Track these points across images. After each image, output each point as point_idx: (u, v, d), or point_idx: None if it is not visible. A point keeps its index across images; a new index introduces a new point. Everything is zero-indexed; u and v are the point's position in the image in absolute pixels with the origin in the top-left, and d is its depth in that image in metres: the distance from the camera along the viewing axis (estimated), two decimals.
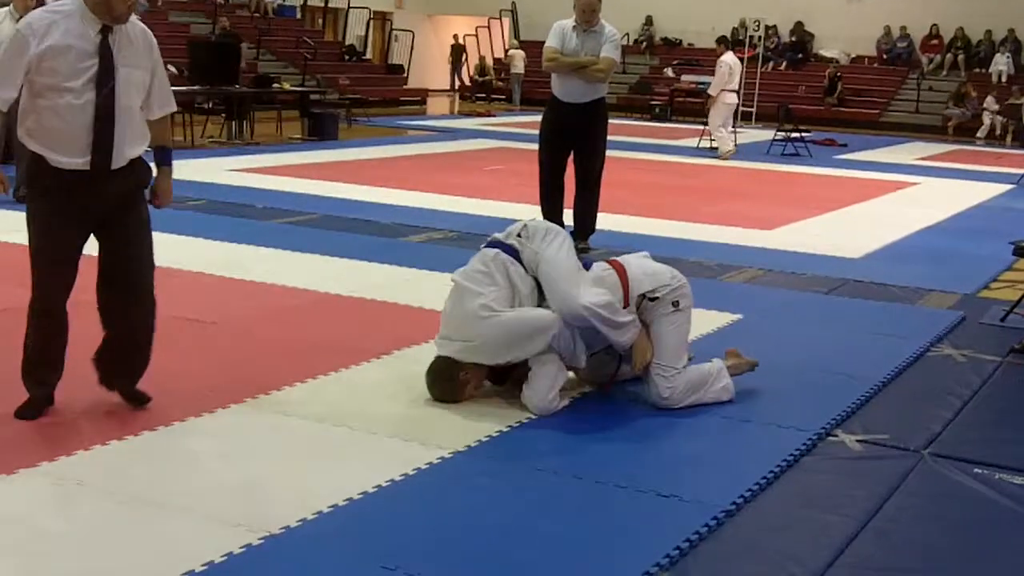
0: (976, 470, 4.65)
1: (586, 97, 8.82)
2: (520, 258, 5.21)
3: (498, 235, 5.40)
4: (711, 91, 18.04)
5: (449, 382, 5.13)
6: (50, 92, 4.60)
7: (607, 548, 3.78)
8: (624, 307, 5.13)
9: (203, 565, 3.47)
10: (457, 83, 33.73)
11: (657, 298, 5.20)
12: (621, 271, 5.29)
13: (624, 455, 4.65)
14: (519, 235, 5.30)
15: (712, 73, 25.11)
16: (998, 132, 25.67)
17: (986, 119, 25.93)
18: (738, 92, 18.47)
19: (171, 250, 8.32)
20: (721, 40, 19.76)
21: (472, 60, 32.94)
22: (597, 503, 4.14)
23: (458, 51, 32.72)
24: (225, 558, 3.53)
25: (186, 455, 4.42)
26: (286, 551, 3.62)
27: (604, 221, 9.57)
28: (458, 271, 5.35)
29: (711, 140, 18.94)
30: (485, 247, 5.36)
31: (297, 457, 4.45)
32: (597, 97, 8.90)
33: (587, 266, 5.34)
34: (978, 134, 25.68)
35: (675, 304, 5.24)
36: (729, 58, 17.95)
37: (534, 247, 5.22)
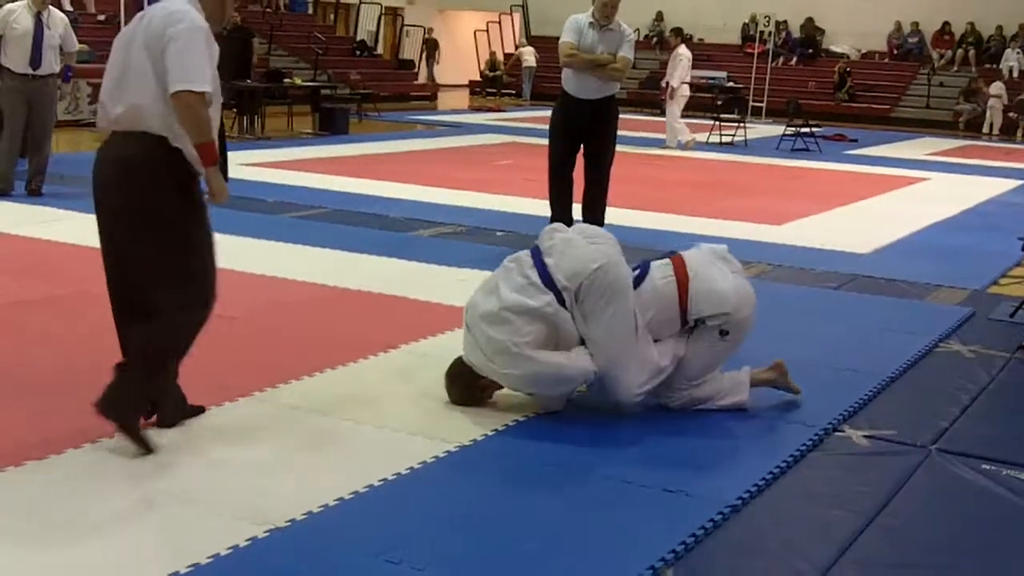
0: (984, 466, 4.65)
1: (599, 94, 8.81)
2: (566, 306, 4.85)
3: (551, 266, 4.92)
4: (673, 83, 17.89)
5: (467, 390, 5.03)
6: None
7: (612, 543, 3.78)
8: (679, 323, 4.98)
9: (209, 557, 3.48)
10: (428, 78, 33.50)
11: (705, 323, 4.99)
12: (683, 282, 4.99)
13: (630, 450, 4.65)
14: (580, 285, 4.83)
15: (722, 68, 24.93)
16: (995, 130, 25.50)
17: (989, 113, 25.74)
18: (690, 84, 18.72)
19: None
20: (676, 32, 19.57)
21: (482, 55, 32.90)
22: (603, 498, 4.14)
23: (432, 45, 32.54)
24: (231, 551, 3.54)
25: (193, 448, 4.42)
26: (291, 544, 3.63)
27: (614, 215, 9.55)
28: (505, 284, 4.96)
29: (720, 135, 18.93)
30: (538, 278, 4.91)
31: (303, 450, 4.46)
32: (609, 94, 8.90)
33: (644, 272, 5.05)
34: (983, 130, 25.58)
35: (723, 332, 5.00)
36: (684, 50, 18.12)
37: (588, 306, 4.83)
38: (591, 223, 9.01)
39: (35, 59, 10.11)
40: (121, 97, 4.32)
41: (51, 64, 10.27)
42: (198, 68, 4.26)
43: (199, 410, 4.75)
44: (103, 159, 4.41)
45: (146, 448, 4.28)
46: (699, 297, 4.96)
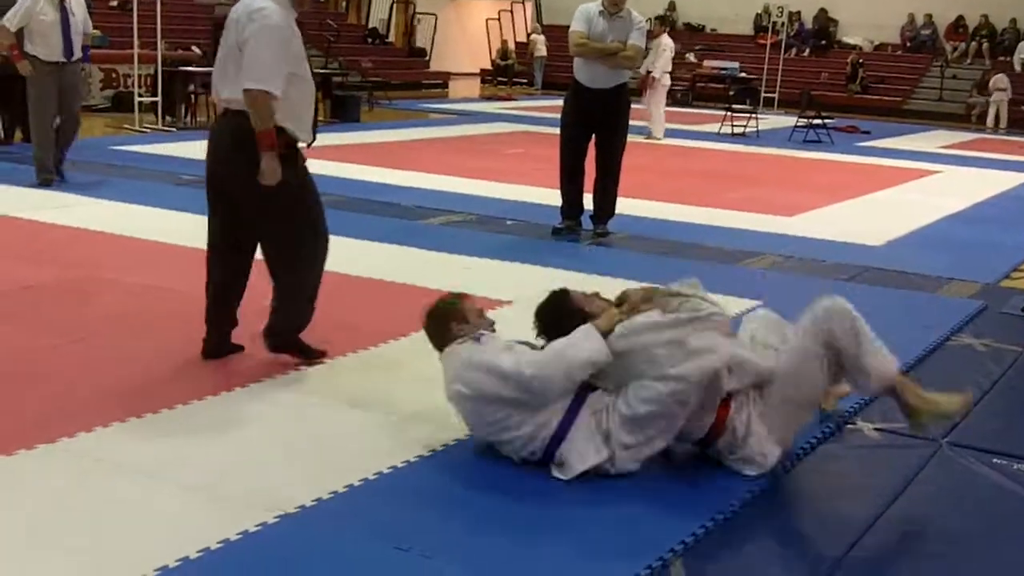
0: (995, 460, 4.64)
1: (610, 83, 8.78)
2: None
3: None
4: (656, 73, 17.73)
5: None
6: (293, 78, 5.00)
7: (622, 533, 3.77)
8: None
9: (219, 543, 3.48)
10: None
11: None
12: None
13: None
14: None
15: (734, 58, 24.86)
16: (1001, 123, 25.38)
17: (994, 107, 25.62)
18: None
19: (192, 229, 8.36)
20: (661, 21, 19.45)
21: (494, 44, 32.86)
22: (613, 488, 4.12)
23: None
24: (240, 536, 3.54)
25: (204, 433, 4.43)
26: (301, 530, 3.63)
27: (625, 206, 9.56)
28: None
29: (732, 126, 18.90)
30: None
31: (313, 437, 4.46)
32: (620, 83, 8.88)
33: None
34: (987, 123, 25.45)
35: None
36: (668, 40, 17.97)
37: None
38: (601, 215, 9.05)
39: (67, 48, 10.11)
40: (225, 84, 5.02)
41: (79, 50, 10.29)
42: (267, 67, 4.84)
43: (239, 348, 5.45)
44: (218, 131, 5.18)
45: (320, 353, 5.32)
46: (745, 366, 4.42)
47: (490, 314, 4.65)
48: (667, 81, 18.21)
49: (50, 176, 10.18)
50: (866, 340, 4.31)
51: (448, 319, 4.48)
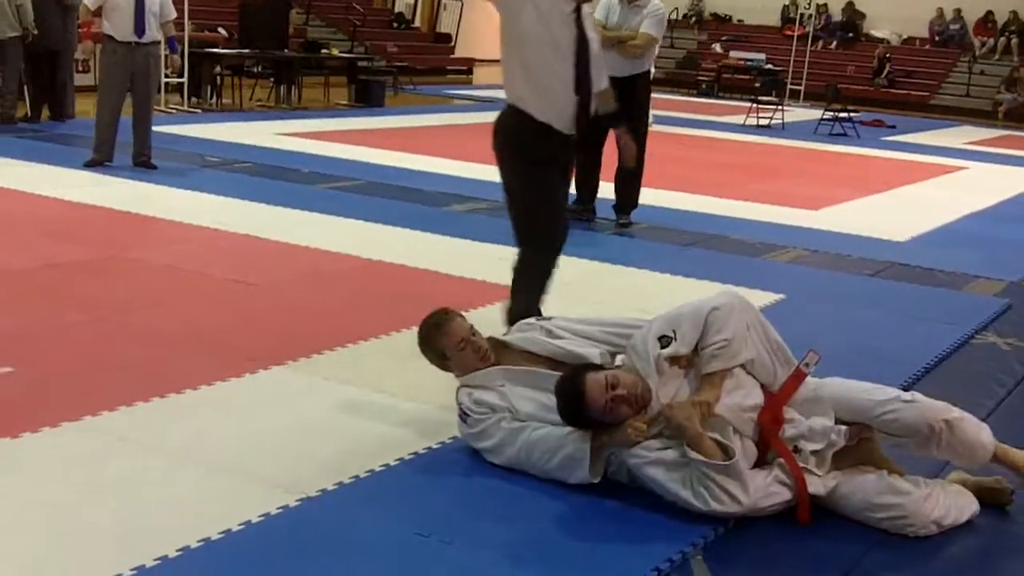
0: None
1: (625, 71, 8.74)
2: None
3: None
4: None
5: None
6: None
7: (642, 527, 3.76)
8: None
9: (240, 524, 3.50)
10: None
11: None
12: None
13: None
14: None
15: (760, 50, 24.71)
16: None
17: None
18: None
19: (216, 211, 8.41)
20: None
21: None
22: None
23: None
24: (262, 518, 3.56)
25: (226, 415, 4.44)
26: (322, 514, 3.64)
27: (649, 196, 9.53)
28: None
29: (757, 118, 18.83)
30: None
31: (336, 421, 4.47)
32: (637, 72, 8.86)
33: None
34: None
35: None
36: None
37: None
38: (625, 206, 9.03)
39: (139, 27, 10.00)
40: None
41: (154, 32, 10.18)
42: None
43: None
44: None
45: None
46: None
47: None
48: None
49: (100, 158, 10.14)
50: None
51: (431, 357, 4.42)
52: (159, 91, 14.66)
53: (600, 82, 5.28)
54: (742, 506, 3.69)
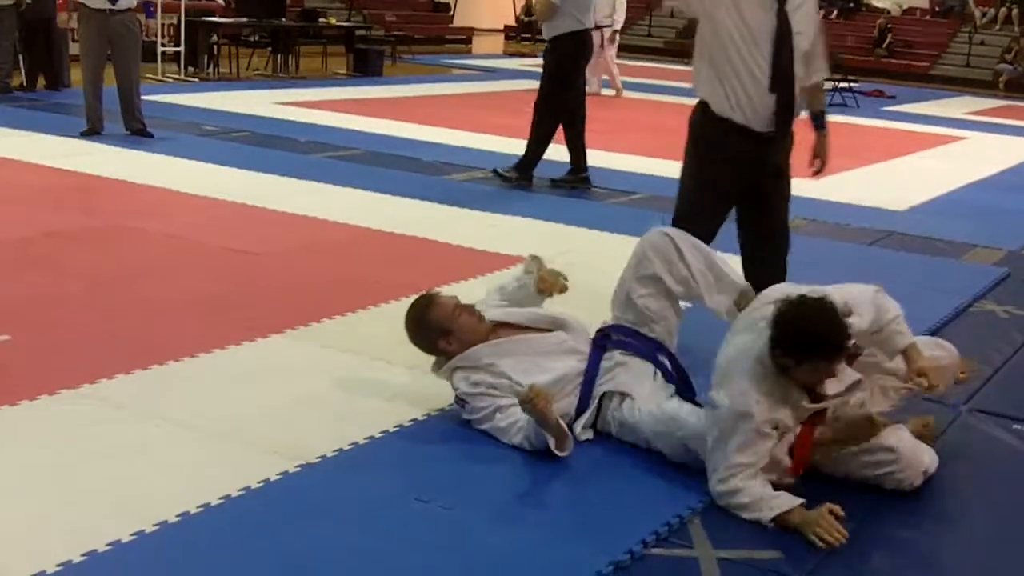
0: (1015, 426, 4.62)
1: (546, 35, 9.11)
2: None
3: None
4: (618, 27, 17.19)
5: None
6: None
7: (642, 490, 3.78)
8: None
9: (240, 490, 3.50)
10: None
11: None
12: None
13: None
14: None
15: None
16: None
17: None
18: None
19: (214, 180, 8.40)
20: None
21: (519, 0, 32.67)
22: (629, 446, 4.13)
23: None
24: (262, 484, 3.56)
25: (225, 382, 4.44)
26: (322, 480, 3.65)
27: (649, 166, 9.52)
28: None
29: None
30: None
31: (334, 388, 4.47)
32: (553, 35, 9.03)
33: None
34: None
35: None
36: None
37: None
38: (574, 163, 9.23)
39: None
40: None
41: None
42: None
43: None
44: None
45: None
46: None
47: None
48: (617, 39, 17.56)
49: (93, 127, 10.09)
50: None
51: (430, 337, 4.30)
52: (156, 60, 14.72)
53: (809, 77, 5.01)
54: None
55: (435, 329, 4.24)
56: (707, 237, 4.80)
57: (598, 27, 16.65)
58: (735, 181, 5.02)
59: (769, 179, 5.08)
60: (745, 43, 4.77)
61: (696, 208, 5.06)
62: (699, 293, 4.29)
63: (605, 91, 16.91)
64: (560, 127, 9.22)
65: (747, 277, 4.51)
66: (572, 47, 9.00)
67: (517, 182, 9.14)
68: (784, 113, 4.86)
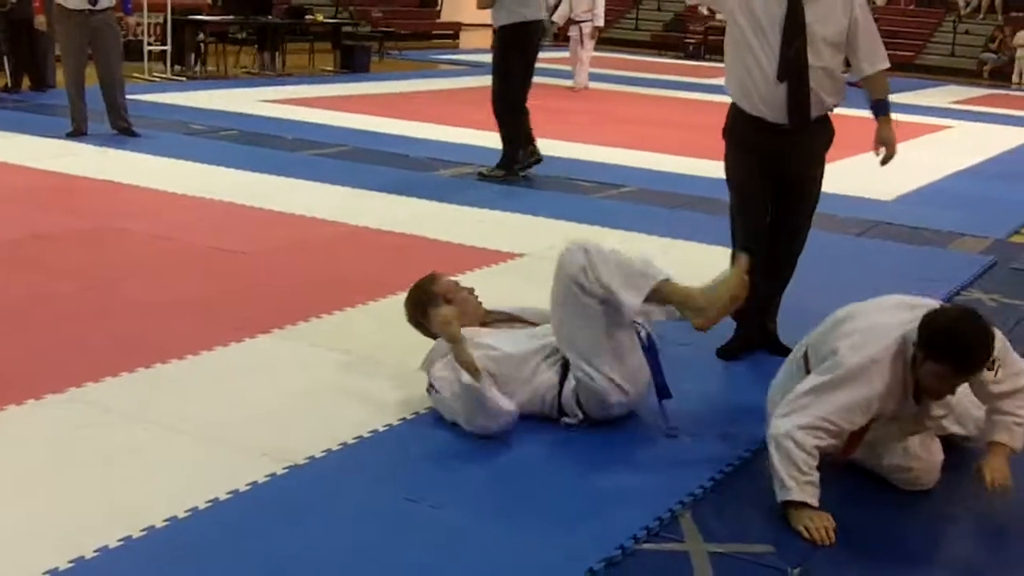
0: None
1: (494, 25, 9.24)
2: None
3: None
4: (600, 22, 16.93)
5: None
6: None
7: (632, 484, 3.78)
8: None
9: (228, 493, 3.49)
10: None
11: None
12: None
13: (649, 396, 4.63)
14: None
15: None
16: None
17: (1017, 63, 25.40)
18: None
19: (201, 179, 8.39)
20: None
21: None
22: (622, 440, 4.13)
23: None
24: (250, 487, 3.55)
25: (213, 384, 4.43)
26: (311, 481, 3.64)
27: (636, 159, 9.52)
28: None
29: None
30: None
31: (323, 388, 4.47)
32: (499, 24, 9.14)
33: None
34: (1013, 79, 25.25)
35: None
36: None
37: None
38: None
39: None
40: None
41: None
42: None
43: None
44: None
45: None
46: None
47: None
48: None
49: (78, 128, 10.07)
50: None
51: (434, 305, 4.37)
52: (143, 59, 14.70)
53: (861, 68, 4.99)
54: None
55: (437, 297, 4.38)
56: (756, 234, 5.00)
57: (577, 22, 16.71)
58: (763, 170, 5.02)
59: (792, 175, 5.05)
60: (755, 34, 4.81)
61: (740, 198, 5.14)
62: (616, 297, 4.05)
63: (567, 82, 16.88)
64: (500, 111, 9.28)
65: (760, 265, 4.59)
66: (513, 38, 9.06)
67: (505, 179, 9.13)
68: (797, 105, 4.83)
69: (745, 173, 5.07)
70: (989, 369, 3.64)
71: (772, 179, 5.03)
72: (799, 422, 3.59)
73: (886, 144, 5.31)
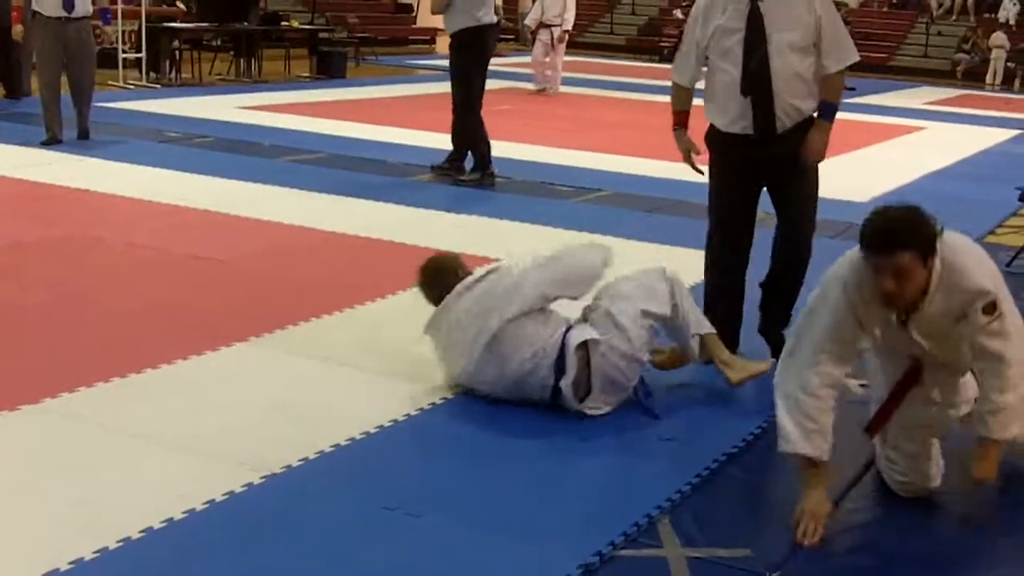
0: None
1: (447, 31, 9.26)
2: None
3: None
4: (569, 26, 16.98)
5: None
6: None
7: (608, 491, 3.79)
8: None
9: (204, 503, 3.48)
10: None
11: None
12: None
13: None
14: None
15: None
16: (998, 79, 25.35)
17: (992, 63, 25.59)
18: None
19: (177, 187, 8.36)
20: None
21: None
22: (599, 446, 4.14)
23: None
24: (226, 496, 3.54)
25: (189, 393, 4.42)
26: (287, 490, 3.63)
27: (612, 163, 9.54)
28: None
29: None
30: None
31: (300, 396, 4.46)
32: (452, 30, 9.19)
33: None
34: (988, 79, 25.41)
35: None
36: None
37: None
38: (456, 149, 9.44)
39: (67, 2, 9.89)
40: None
41: (85, 5, 10.10)
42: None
43: None
44: None
45: None
46: None
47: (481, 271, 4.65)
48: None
49: (53, 135, 10.07)
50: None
51: (453, 268, 4.65)
52: (118, 66, 14.64)
53: (821, 68, 4.87)
54: None
55: (453, 267, 4.66)
56: (740, 236, 5.06)
57: (547, 26, 16.69)
58: (740, 180, 5.02)
59: (779, 184, 5.01)
60: (718, 50, 4.82)
61: (720, 208, 5.12)
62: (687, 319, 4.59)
63: (529, 85, 16.89)
64: (463, 116, 9.31)
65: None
66: (468, 43, 9.09)
67: (480, 182, 9.14)
68: (762, 115, 4.78)
69: (723, 182, 5.10)
70: (986, 313, 3.56)
71: (749, 185, 5.05)
72: (797, 367, 3.62)
73: (813, 152, 4.98)
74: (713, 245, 5.17)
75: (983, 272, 3.65)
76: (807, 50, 4.79)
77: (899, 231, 3.49)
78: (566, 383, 4.29)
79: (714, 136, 5.01)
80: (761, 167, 4.94)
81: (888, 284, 3.47)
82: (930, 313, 3.57)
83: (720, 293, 5.13)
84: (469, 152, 9.36)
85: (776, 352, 4.96)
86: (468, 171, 9.29)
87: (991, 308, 3.56)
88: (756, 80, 4.74)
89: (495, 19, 9.41)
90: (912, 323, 3.61)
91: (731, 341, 4.96)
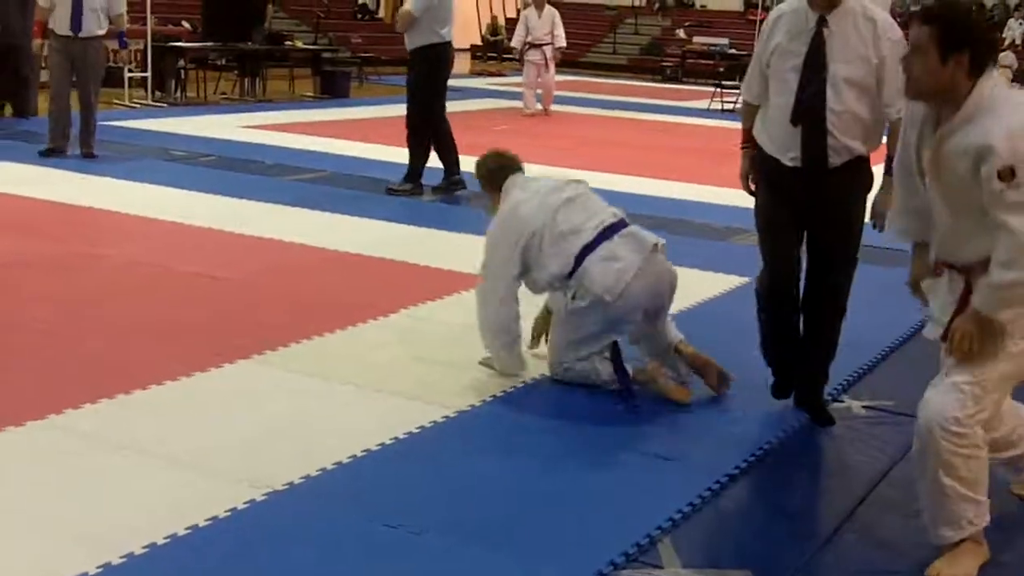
0: None
1: (408, 47, 9.51)
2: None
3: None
4: (561, 42, 16.72)
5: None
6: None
7: (609, 511, 3.78)
8: None
9: (207, 520, 3.49)
10: None
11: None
12: None
13: (626, 419, 4.65)
14: None
15: (723, 35, 24.46)
16: None
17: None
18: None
19: (181, 205, 8.38)
20: None
21: (483, 19, 32.75)
22: (599, 465, 4.15)
23: None
24: (229, 513, 3.55)
25: (192, 410, 4.43)
26: (289, 507, 3.64)
27: (613, 181, 9.55)
28: None
29: (722, 102, 18.86)
30: None
31: (301, 414, 4.47)
32: (413, 46, 9.44)
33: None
34: None
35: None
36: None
37: None
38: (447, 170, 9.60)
39: (75, 22, 10.13)
40: None
41: (93, 27, 10.26)
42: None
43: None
44: None
45: None
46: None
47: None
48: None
49: (55, 146, 10.29)
50: None
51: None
52: (123, 85, 14.69)
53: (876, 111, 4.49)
54: None
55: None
56: (782, 263, 4.77)
57: (538, 45, 16.65)
58: (782, 208, 4.71)
59: (819, 220, 4.69)
60: (775, 70, 4.56)
61: (765, 233, 4.86)
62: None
63: (518, 103, 16.91)
64: (419, 130, 9.52)
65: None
66: (434, 58, 9.16)
67: (411, 193, 9.41)
68: (813, 148, 4.47)
69: (767, 208, 4.81)
70: (1002, 179, 3.24)
71: (791, 214, 4.72)
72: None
73: (877, 214, 4.75)
74: (762, 287, 4.91)
75: (1018, 136, 3.28)
76: (866, 89, 4.45)
77: (939, 11, 3.36)
78: None
79: (763, 161, 4.72)
80: (805, 199, 4.62)
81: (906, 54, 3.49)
82: (951, 144, 3.37)
83: (771, 341, 4.91)
84: (420, 165, 9.61)
85: (814, 414, 4.80)
86: (401, 181, 9.52)
87: (1008, 174, 3.24)
88: (809, 112, 4.45)
89: (451, 37, 9.69)
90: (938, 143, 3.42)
91: (790, 389, 4.85)
